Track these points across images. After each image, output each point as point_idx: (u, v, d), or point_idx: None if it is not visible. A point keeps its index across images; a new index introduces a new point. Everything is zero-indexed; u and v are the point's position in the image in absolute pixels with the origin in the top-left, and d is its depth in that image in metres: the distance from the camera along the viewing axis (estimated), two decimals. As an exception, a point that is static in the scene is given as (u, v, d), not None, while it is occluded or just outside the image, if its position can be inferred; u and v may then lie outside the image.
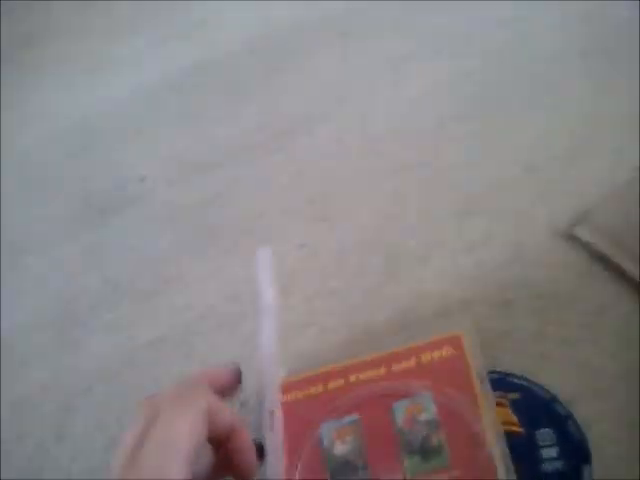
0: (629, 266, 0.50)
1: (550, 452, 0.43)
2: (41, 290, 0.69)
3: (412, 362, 0.48)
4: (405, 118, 0.71)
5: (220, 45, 0.90)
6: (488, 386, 0.44)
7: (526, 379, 0.47)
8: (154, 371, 0.58)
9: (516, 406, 0.45)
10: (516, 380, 0.47)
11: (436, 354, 0.47)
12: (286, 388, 0.49)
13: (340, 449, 0.45)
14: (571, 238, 0.54)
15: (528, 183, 0.59)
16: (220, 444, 0.38)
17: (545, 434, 0.44)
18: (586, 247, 0.53)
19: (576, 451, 0.43)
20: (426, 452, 0.43)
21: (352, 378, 0.48)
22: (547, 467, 0.42)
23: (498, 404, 0.44)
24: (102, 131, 0.86)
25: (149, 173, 0.77)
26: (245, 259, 0.63)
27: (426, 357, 0.47)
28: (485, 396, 0.44)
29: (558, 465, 0.42)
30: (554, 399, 0.45)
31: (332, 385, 0.49)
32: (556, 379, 0.47)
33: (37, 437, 0.56)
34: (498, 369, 0.48)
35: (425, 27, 0.80)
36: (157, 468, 0.33)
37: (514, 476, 0.40)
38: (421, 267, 0.57)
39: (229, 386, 0.42)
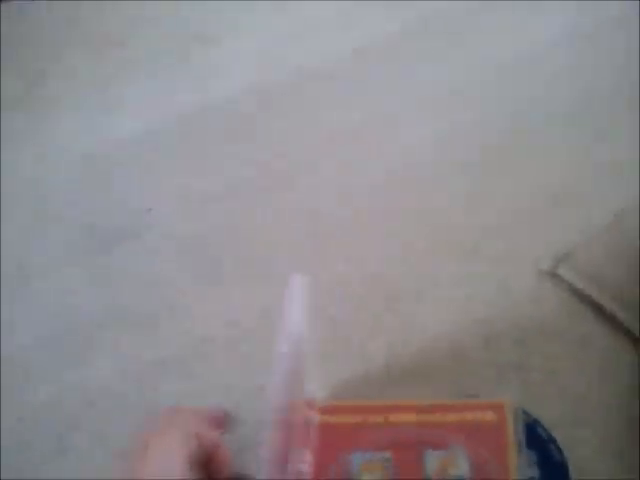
0: (608, 304, 0.54)
1: (532, 472, 0.45)
2: (48, 313, 0.72)
3: (454, 417, 0.49)
4: (405, 165, 0.74)
5: (223, 91, 0.94)
6: (524, 459, 0.45)
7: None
8: (155, 390, 0.60)
9: None
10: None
11: (479, 415, 0.48)
12: (327, 410, 0.51)
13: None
14: (555, 277, 0.57)
15: (516, 227, 0.63)
16: (205, 463, 0.43)
17: (528, 455, 0.46)
18: (568, 286, 0.56)
19: (558, 475, 0.45)
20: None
21: (393, 418, 0.50)
22: None
23: None
24: (111, 168, 0.89)
25: (155, 206, 0.81)
26: (244, 287, 0.66)
27: (468, 416, 0.49)
28: (517, 467, 0.45)
29: None
30: (536, 422, 0.48)
31: (372, 419, 0.50)
32: (539, 408, 0.50)
33: (39, 450, 0.58)
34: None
35: (423, 79, 0.84)
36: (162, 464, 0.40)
37: None
38: (417, 304, 0.60)
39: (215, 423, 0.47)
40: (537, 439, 0.47)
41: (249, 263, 0.69)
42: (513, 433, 0.46)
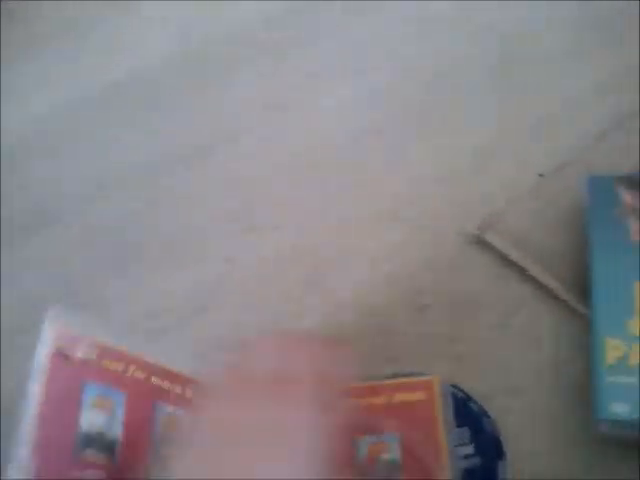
0: (533, 267, 0.53)
1: (466, 450, 0.45)
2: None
3: (384, 400, 0.47)
4: (324, 132, 0.72)
5: (139, 61, 0.89)
6: (454, 437, 0.44)
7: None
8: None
9: None
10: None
11: (408, 396, 0.46)
12: None
13: None
14: (481, 243, 0.56)
15: (439, 190, 0.62)
16: None
17: (461, 433, 0.45)
18: (496, 251, 0.55)
19: (491, 448, 0.45)
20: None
21: None
22: (464, 464, 0.44)
23: None
24: (20, 149, 0.84)
25: (69, 190, 0.76)
26: (166, 275, 0.64)
27: (399, 397, 0.46)
28: (448, 446, 0.43)
29: (475, 461, 0.44)
30: (468, 398, 0.47)
31: None
32: (472, 378, 0.49)
33: None
34: (415, 371, 0.48)
35: (340, 42, 0.82)
36: None
37: None
38: (340, 275, 0.59)
39: None
40: (469, 415, 0.46)
41: (170, 248, 0.66)
42: (442, 411, 0.45)
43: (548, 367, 0.49)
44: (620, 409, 0.42)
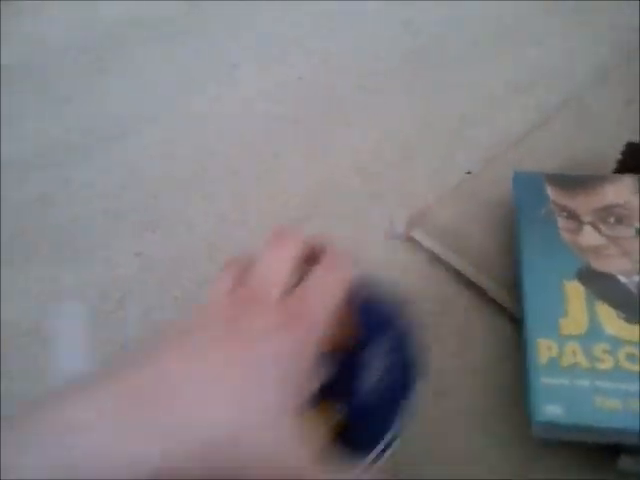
0: (463, 266, 0.52)
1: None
2: None
3: None
4: (236, 119, 0.69)
5: (40, 43, 0.83)
6: None
7: None
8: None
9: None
10: None
11: None
12: None
13: None
14: (409, 240, 0.55)
15: (364, 187, 0.60)
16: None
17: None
18: (424, 249, 0.54)
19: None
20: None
21: None
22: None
23: None
24: None
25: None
26: (70, 268, 0.58)
27: None
28: None
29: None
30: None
31: None
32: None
33: None
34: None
35: (260, 29, 0.78)
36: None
37: None
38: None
39: None
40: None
41: (73, 240, 0.61)
42: None
43: (480, 368, 0.48)
44: (554, 411, 0.42)
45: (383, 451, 0.37)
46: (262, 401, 0.28)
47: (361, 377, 0.38)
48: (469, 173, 0.58)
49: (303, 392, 0.30)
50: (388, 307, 0.41)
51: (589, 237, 0.49)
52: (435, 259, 0.53)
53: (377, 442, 0.37)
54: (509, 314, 0.49)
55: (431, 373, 0.47)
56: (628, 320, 0.44)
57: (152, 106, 0.72)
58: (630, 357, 0.42)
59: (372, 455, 0.36)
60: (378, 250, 0.55)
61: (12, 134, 0.71)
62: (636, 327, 0.44)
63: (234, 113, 0.70)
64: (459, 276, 0.52)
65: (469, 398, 0.47)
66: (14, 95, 0.75)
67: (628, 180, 0.52)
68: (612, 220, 0.50)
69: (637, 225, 0.49)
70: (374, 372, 0.38)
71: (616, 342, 0.43)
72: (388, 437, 0.37)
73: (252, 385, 0.28)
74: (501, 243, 0.53)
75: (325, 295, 0.32)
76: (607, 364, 0.42)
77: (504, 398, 0.46)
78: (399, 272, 0.53)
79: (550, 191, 0.52)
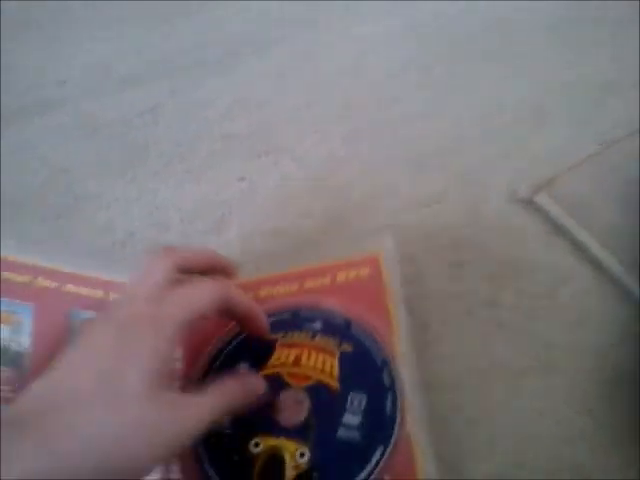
0: (586, 239, 0.48)
1: (352, 419, 0.39)
2: None
3: (327, 280, 0.45)
4: (359, 58, 0.66)
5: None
6: (403, 310, 0.43)
7: (369, 335, 0.42)
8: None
9: (344, 359, 0.41)
10: (359, 331, 0.43)
11: (352, 273, 0.45)
12: None
13: None
14: (530, 205, 0.51)
15: (490, 144, 0.56)
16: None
17: (357, 399, 0.40)
18: (545, 216, 0.50)
19: (376, 430, 0.39)
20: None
21: (263, 292, 0.46)
22: (342, 433, 0.39)
23: (329, 352, 0.42)
24: (21, 34, 0.76)
25: (70, 79, 0.69)
26: (175, 184, 0.57)
27: (341, 276, 0.46)
28: (398, 316, 0.43)
29: (354, 435, 0.38)
30: (385, 365, 0.41)
31: None
32: (507, 349, 0.44)
33: None
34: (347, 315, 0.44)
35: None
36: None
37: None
38: (368, 216, 0.53)
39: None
40: (376, 386, 0.41)
41: (180, 157, 0.60)
42: (390, 284, 0.44)
43: (592, 348, 0.44)
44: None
45: None
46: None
47: (331, 427, 0.39)
48: (603, 145, 0.54)
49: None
50: (375, 360, 0.42)
51: None
52: (557, 229, 0.49)
53: None
54: (631, 296, 0.46)
55: (538, 347, 0.45)
56: None
57: (275, 30, 0.70)
58: None
59: None
60: (497, 211, 0.52)
61: (127, 51, 0.71)
62: None
63: (361, 50, 0.67)
64: (581, 250, 0.48)
65: (574, 380, 0.43)
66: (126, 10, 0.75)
67: None
68: None
69: None
70: (346, 426, 0.39)
71: None
72: None
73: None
74: (631, 223, 0.49)
75: (185, 300, 0.36)
76: None
77: (614, 385, 0.43)
78: (516, 237, 0.50)
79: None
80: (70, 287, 0.43)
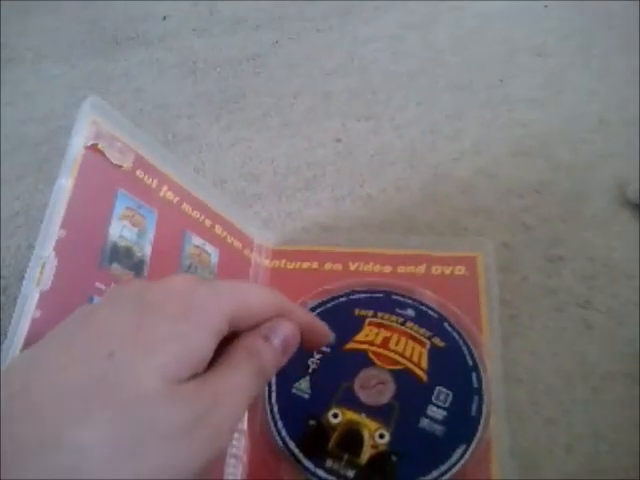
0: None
1: (437, 413, 0.39)
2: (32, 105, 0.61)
3: (421, 269, 0.45)
4: (474, 34, 0.64)
5: None
6: (495, 314, 0.42)
7: (464, 337, 0.42)
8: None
9: (434, 353, 0.41)
10: (452, 330, 0.42)
11: (448, 269, 0.45)
12: (280, 254, 0.47)
13: None
14: (636, 209, 0.49)
15: (602, 139, 0.54)
16: None
17: (444, 394, 0.40)
18: (650, 222, 0.49)
19: (460, 428, 0.39)
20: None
21: (352, 266, 0.46)
22: (425, 424, 0.39)
23: (419, 341, 0.42)
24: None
25: (173, 14, 0.68)
26: (271, 137, 0.57)
27: (437, 270, 0.45)
28: (491, 323, 0.42)
29: (437, 429, 0.39)
30: (475, 368, 0.41)
31: (329, 267, 0.46)
32: (594, 351, 0.43)
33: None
34: (441, 311, 0.43)
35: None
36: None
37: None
38: (463, 198, 0.52)
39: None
40: (464, 386, 0.41)
41: (279, 110, 0.59)
42: (485, 287, 0.44)
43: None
44: None
45: None
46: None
47: (414, 416, 0.39)
48: None
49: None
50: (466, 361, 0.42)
51: None
52: (662, 236, 0.48)
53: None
54: None
55: (633, 356, 0.43)
56: None
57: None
58: None
59: None
60: (600, 210, 0.50)
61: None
62: None
63: (481, 25, 0.65)
64: (684, 263, 0.47)
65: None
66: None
67: None
68: None
69: None
70: (430, 417, 0.39)
71: None
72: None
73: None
74: None
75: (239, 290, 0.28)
76: None
77: None
78: (617, 239, 0.48)
79: None
80: (186, 207, 0.41)
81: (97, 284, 0.34)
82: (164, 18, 0.68)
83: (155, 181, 0.39)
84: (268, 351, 0.28)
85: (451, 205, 0.51)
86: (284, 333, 0.29)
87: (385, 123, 0.57)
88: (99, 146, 0.36)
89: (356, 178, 0.53)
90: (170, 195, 0.40)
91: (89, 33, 0.68)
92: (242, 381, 0.26)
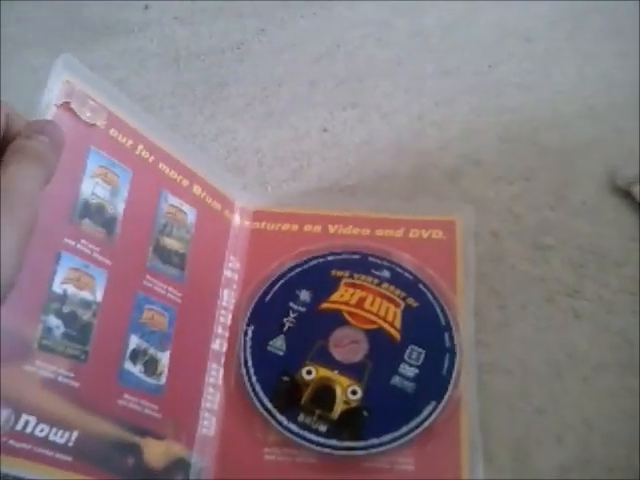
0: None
1: (409, 370, 0.40)
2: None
3: (399, 233, 0.46)
4: (462, 20, 0.63)
5: None
6: (472, 277, 0.43)
7: (438, 297, 0.43)
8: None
9: (408, 313, 0.42)
10: (427, 291, 0.43)
11: (425, 233, 0.46)
12: (260, 216, 0.47)
13: None
14: (626, 196, 0.49)
15: (593, 122, 0.54)
16: None
17: (416, 353, 0.41)
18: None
19: (431, 385, 0.40)
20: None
21: (331, 229, 0.46)
22: (397, 381, 0.40)
23: (393, 302, 0.43)
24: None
25: (154, 3, 0.67)
26: (255, 127, 0.56)
27: (415, 233, 0.46)
28: (466, 285, 0.43)
29: (408, 385, 0.40)
30: (448, 328, 0.42)
31: (308, 229, 0.47)
32: (584, 341, 0.43)
33: None
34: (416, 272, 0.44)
35: None
36: None
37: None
38: (452, 186, 0.51)
39: None
40: (437, 345, 0.42)
41: (263, 99, 0.58)
42: (462, 252, 0.45)
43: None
44: None
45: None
46: None
47: (386, 373, 0.40)
48: None
49: None
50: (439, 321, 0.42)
51: None
52: (649, 224, 0.47)
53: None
54: None
55: (620, 345, 0.43)
56: None
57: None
58: None
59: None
60: (589, 198, 0.49)
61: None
62: None
63: (469, 9, 0.64)
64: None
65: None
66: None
67: None
68: None
69: None
70: (402, 375, 0.40)
71: None
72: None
73: None
74: None
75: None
76: None
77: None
78: (606, 227, 0.48)
79: None
80: (163, 166, 0.42)
81: (66, 240, 0.35)
82: (145, 7, 0.67)
83: (130, 140, 0.40)
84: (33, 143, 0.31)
85: (439, 193, 0.50)
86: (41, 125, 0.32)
87: (372, 111, 0.56)
88: (71, 105, 0.36)
89: (343, 169, 0.53)
90: (146, 154, 0.41)
91: (70, 23, 0.66)
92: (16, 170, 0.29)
